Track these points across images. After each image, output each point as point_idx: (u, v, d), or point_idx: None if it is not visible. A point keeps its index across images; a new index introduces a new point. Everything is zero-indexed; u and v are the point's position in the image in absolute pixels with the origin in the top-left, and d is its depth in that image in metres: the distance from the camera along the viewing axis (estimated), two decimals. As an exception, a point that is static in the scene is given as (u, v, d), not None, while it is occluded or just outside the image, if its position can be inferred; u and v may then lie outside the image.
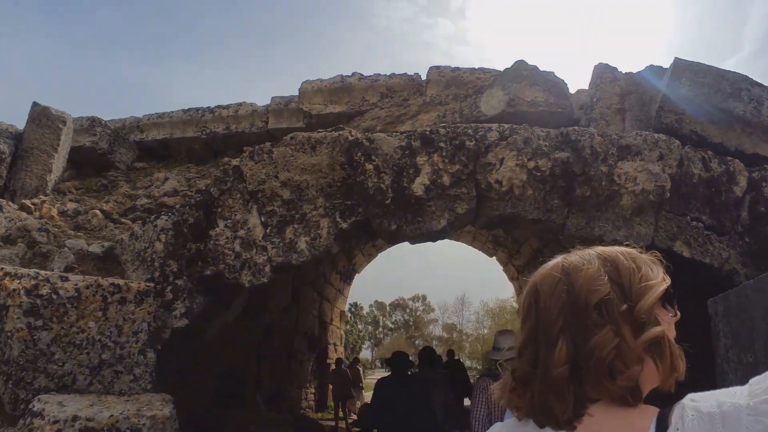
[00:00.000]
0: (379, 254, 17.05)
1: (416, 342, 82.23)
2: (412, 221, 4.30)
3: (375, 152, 4.29)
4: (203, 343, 4.86)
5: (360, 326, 74.91)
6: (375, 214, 4.27)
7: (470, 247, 17.16)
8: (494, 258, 16.56)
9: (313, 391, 13.25)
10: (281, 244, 4.16)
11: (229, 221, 4.22)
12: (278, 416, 7.70)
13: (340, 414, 13.30)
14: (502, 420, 3.33)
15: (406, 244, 4.92)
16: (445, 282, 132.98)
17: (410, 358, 6.44)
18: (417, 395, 5.49)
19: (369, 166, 4.26)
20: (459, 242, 16.99)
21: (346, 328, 62.99)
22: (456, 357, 16.60)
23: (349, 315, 75.62)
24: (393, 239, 4.64)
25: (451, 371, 9.92)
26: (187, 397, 6.83)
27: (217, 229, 4.19)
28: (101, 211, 5.40)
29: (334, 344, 14.93)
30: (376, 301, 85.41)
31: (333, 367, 14.29)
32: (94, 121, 7.07)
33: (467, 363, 73.21)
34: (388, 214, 4.28)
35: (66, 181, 6.56)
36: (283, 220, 4.22)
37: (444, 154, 4.28)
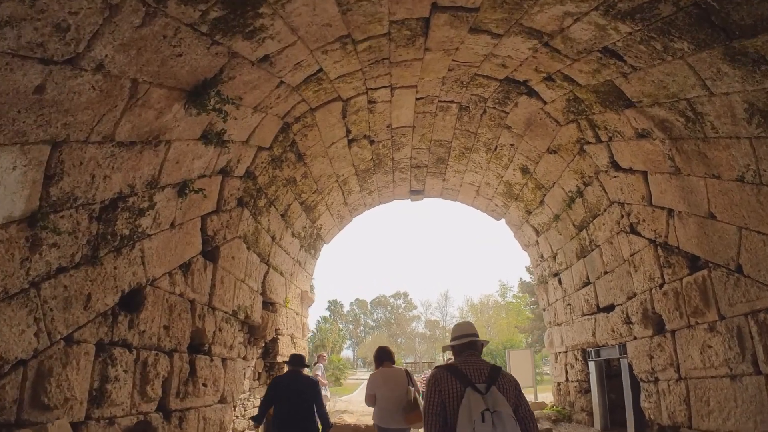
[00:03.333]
0: (354, 218, 12.76)
1: (398, 340, 79.06)
2: None
3: None
4: None
5: (340, 325, 71.28)
6: None
7: (470, 208, 12.90)
8: (503, 221, 12.31)
9: (256, 404, 8.89)
10: None
11: None
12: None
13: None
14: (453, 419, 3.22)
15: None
16: (428, 278, 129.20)
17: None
18: (303, 393, 5.95)
19: None
20: (456, 202, 12.74)
21: (325, 326, 59.06)
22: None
23: (329, 313, 71.79)
24: None
25: None
26: None
27: None
28: None
29: (292, 336, 10.55)
30: (357, 299, 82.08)
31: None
32: None
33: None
34: None
35: None
36: None
37: None
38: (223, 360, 6.72)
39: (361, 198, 11.73)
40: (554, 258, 10.49)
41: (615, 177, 7.41)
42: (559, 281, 10.37)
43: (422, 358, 72.13)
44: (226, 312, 6.70)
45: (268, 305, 8.92)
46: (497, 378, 3.33)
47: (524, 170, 9.69)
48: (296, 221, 9.81)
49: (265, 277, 8.53)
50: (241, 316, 7.33)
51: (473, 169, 10.71)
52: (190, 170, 5.41)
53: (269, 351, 9.15)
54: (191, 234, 5.75)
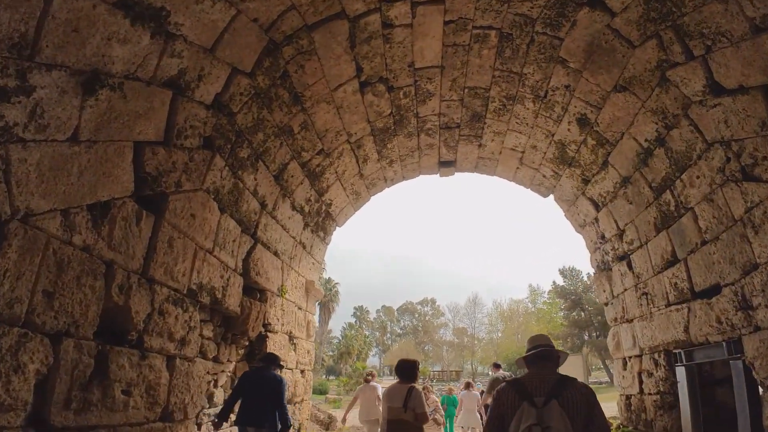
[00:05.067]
0: (372, 197, 10.79)
1: (426, 348, 76.76)
2: None
3: None
4: None
5: (366, 331, 69.33)
6: None
7: (510, 185, 10.86)
8: (551, 197, 10.24)
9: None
10: None
11: None
12: None
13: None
14: None
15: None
16: (457, 278, 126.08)
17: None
18: (267, 391, 5.75)
19: None
20: (494, 176, 10.71)
21: (350, 332, 57.28)
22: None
23: (355, 320, 70.11)
24: None
25: None
26: None
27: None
28: None
29: (290, 334, 8.47)
30: (383, 306, 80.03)
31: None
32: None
33: (479, 369, 67.35)
34: None
35: None
36: None
37: None
38: (168, 358, 4.71)
39: (380, 169, 9.77)
40: (621, 236, 8.35)
41: (715, 106, 5.32)
42: (629, 265, 8.21)
43: (450, 367, 69.82)
44: (175, 289, 4.75)
45: (254, 292, 6.93)
46: (562, 391, 3.12)
47: (582, 121, 7.63)
48: (297, 189, 7.88)
49: (249, 254, 6.58)
50: (205, 299, 5.37)
51: (516, 128, 8.68)
52: (104, 55, 3.52)
53: (255, 352, 7.17)
54: (114, 162, 3.83)
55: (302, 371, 9.03)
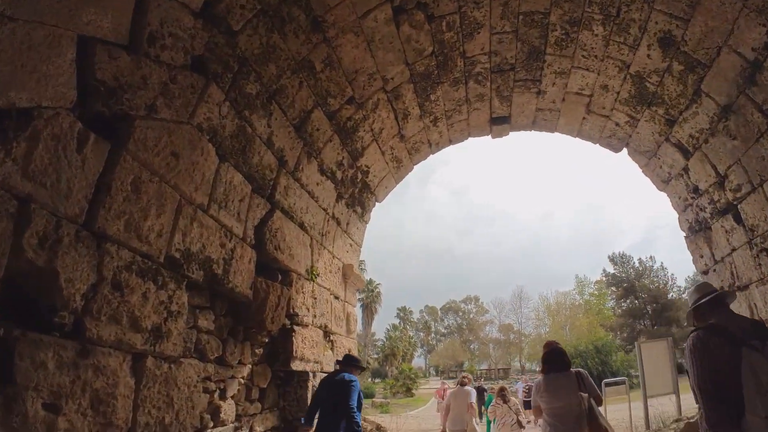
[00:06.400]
0: (415, 166, 9.35)
1: (471, 346, 74.76)
2: None
3: None
4: None
5: (411, 332, 67.87)
6: None
7: (574, 140, 9.29)
8: (624, 151, 8.64)
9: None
10: None
11: None
12: None
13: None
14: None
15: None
16: (500, 277, 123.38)
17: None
18: (339, 393, 5.34)
19: None
20: (555, 133, 9.16)
21: (395, 334, 55.99)
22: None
23: (399, 321, 68.88)
24: None
25: None
26: None
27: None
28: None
29: (325, 328, 6.90)
30: (426, 306, 78.47)
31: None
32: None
33: (527, 366, 65.07)
34: None
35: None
36: None
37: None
38: (135, 357, 3.27)
39: (423, 130, 8.32)
40: (722, 184, 6.71)
41: None
42: (737, 218, 6.56)
43: (497, 365, 67.81)
44: (145, 254, 3.34)
45: (274, 272, 5.51)
46: (766, 332, 2.79)
47: (666, 41, 6.04)
48: (325, 148, 6.51)
49: (265, 221, 5.19)
50: (196, 275, 3.95)
51: (583, 64, 7.13)
52: None
53: (279, 352, 5.80)
54: (43, 55, 2.48)
55: (343, 372, 7.63)
